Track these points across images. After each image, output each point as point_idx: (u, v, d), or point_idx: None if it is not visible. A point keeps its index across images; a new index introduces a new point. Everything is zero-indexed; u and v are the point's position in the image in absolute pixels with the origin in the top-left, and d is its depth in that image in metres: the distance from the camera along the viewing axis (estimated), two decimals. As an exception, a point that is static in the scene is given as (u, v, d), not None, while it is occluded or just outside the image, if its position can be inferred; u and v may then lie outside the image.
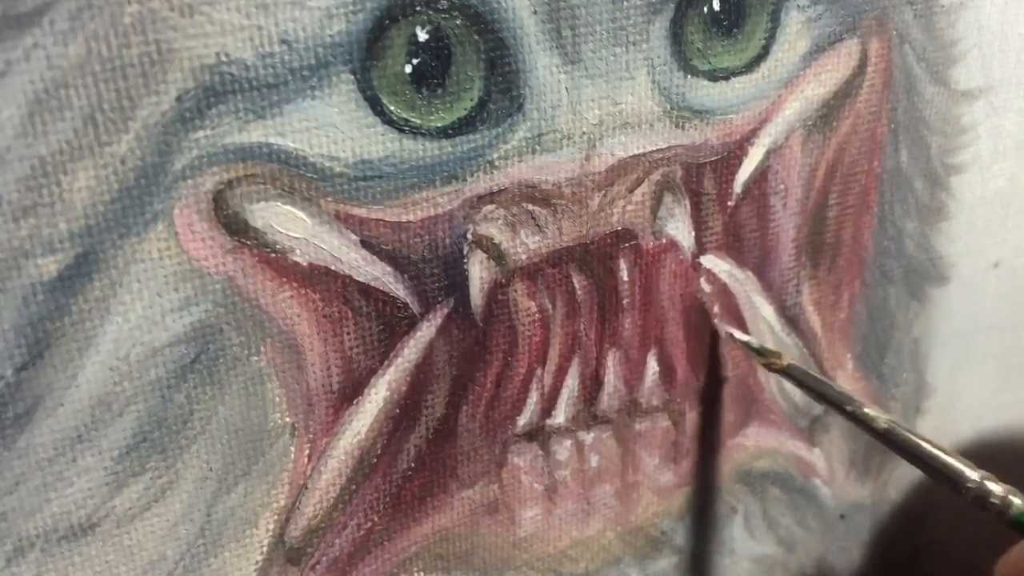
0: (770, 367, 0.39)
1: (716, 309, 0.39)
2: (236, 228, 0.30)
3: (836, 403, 0.37)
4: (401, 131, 0.31)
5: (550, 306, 0.35)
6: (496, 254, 0.34)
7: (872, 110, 0.39)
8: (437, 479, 0.36)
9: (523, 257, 0.34)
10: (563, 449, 0.38)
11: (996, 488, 0.33)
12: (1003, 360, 0.47)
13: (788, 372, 0.39)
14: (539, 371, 0.36)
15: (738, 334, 0.40)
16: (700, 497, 0.42)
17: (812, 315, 0.42)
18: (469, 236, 0.33)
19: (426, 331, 0.34)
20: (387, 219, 0.32)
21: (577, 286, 0.36)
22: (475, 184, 0.33)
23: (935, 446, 0.34)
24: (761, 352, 0.39)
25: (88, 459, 0.30)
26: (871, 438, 0.45)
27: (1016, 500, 0.32)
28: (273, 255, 0.30)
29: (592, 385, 0.37)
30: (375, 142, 0.31)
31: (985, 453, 0.49)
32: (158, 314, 0.29)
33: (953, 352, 0.46)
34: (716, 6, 0.34)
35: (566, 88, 0.33)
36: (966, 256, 0.44)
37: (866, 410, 0.36)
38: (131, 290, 0.29)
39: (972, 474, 0.33)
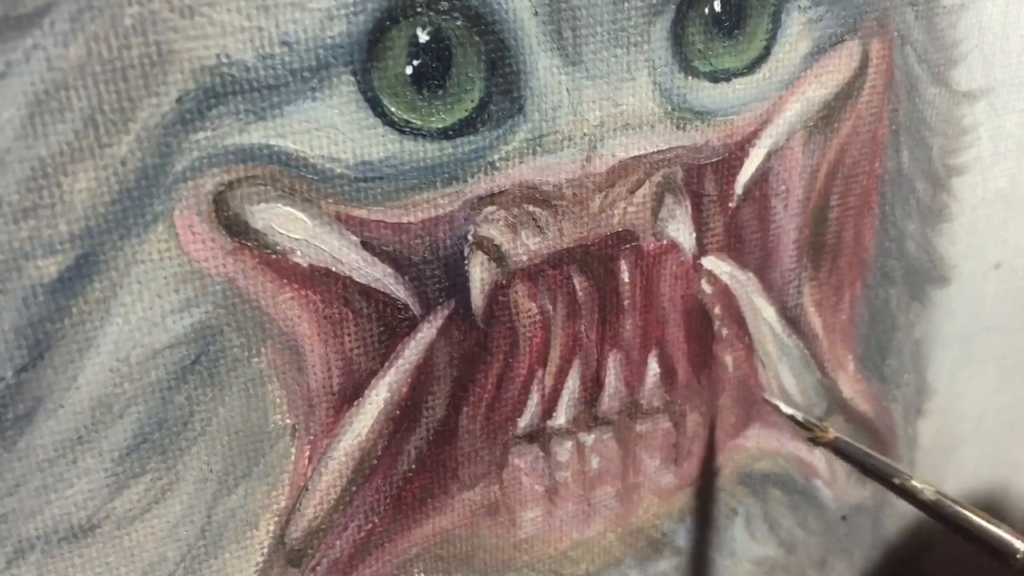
0: (816, 441, 0.39)
1: (717, 310, 0.39)
2: (237, 229, 0.30)
3: (883, 476, 0.37)
4: (402, 132, 0.31)
5: (551, 307, 0.35)
6: (497, 255, 0.34)
7: (873, 111, 0.39)
8: (438, 480, 0.36)
9: (524, 258, 0.34)
10: (564, 450, 0.38)
11: None
12: (1004, 361, 0.47)
13: (835, 446, 0.39)
14: (540, 372, 0.36)
15: (783, 407, 0.40)
16: (701, 498, 0.42)
17: (813, 316, 0.42)
18: (470, 237, 0.33)
19: (427, 332, 0.34)
20: (388, 220, 0.32)
21: (578, 287, 0.36)
22: (476, 185, 0.33)
23: (984, 518, 0.35)
24: (807, 426, 0.40)
25: (88, 460, 0.30)
26: (873, 442, 0.45)
27: None
28: (274, 256, 0.30)
29: (593, 386, 0.37)
30: (376, 143, 0.31)
31: (985, 454, 0.49)
32: (158, 315, 0.29)
33: (954, 353, 0.46)
34: (717, 7, 0.34)
35: (567, 89, 0.33)
36: (967, 257, 0.44)
37: (913, 482, 0.36)
38: (131, 291, 0.29)
39: (1020, 545, 0.33)
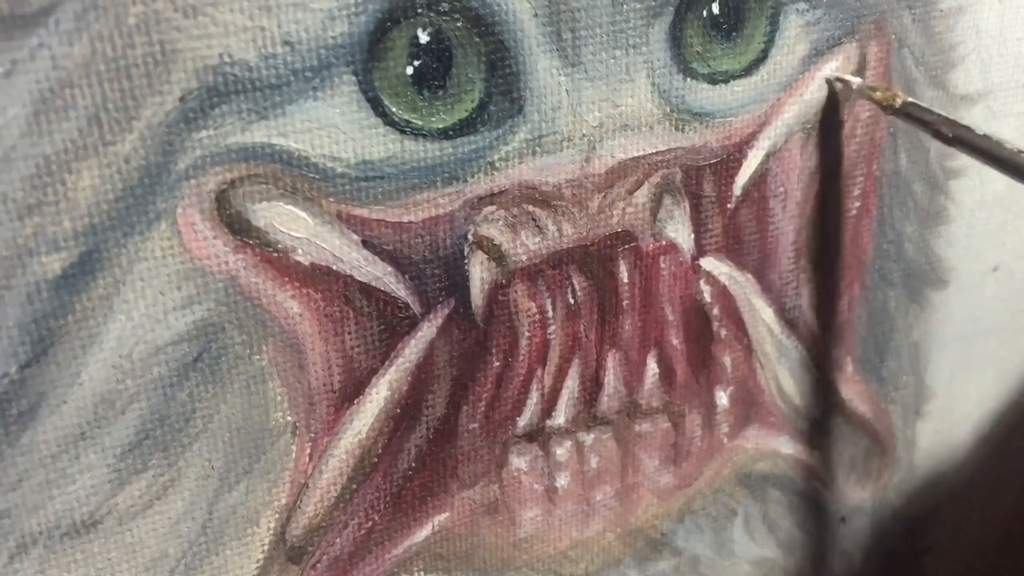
0: (886, 107, 0.36)
1: (716, 311, 0.39)
2: (238, 228, 0.30)
3: (960, 140, 0.34)
4: (402, 132, 0.31)
5: (550, 307, 0.36)
6: (497, 255, 0.34)
7: (870, 114, 0.39)
8: (437, 479, 0.36)
9: (523, 258, 0.35)
10: (563, 450, 0.38)
11: None
12: (1002, 364, 0.48)
13: (906, 112, 0.36)
14: (539, 372, 0.36)
15: (845, 76, 0.37)
16: (700, 499, 0.42)
17: (812, 318, 0.42)
18: (470, 237, 0.33)
19: (427, 331, 0.34)
20: (388, 219, 0.32)
21: (577, 287, 0.36)
22: (476, 185, 0.33)
23: None
24: (871, 90, 0.36)
25: (91, 456, 0.30)
26: (872, 443, 0.45)
27: None
28: (275, 254, 0.31)
29: (592, 386, 0.38)
30: (377, 143, 0.31)
31: (984, 456, 0.49)
32: (161, 312, 0.30)
33: (953, 356, 0.46)
34: (715, 9, 0.35)
35: (566, 90, 0.33)
36: (965, 260, 0.44)
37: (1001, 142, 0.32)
38: (134, 288, 0.29)
39: None
